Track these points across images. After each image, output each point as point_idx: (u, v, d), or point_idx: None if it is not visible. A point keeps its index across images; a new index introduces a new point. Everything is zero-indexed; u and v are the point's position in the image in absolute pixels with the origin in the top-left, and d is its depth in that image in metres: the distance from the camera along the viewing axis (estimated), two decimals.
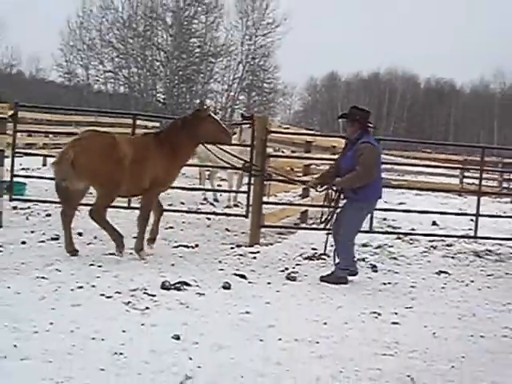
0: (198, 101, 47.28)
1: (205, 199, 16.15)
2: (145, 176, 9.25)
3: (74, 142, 9.05)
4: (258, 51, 50.37)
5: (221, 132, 9.61)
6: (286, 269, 9.20)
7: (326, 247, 9.39)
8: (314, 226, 13.04)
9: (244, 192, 12.33)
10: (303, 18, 73.43)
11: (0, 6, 59.89)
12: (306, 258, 9.89)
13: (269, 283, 8.43)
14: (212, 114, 9.75)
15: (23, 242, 9.49)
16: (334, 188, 9.02)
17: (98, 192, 9.19)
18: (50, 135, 22.76)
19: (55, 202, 12.34)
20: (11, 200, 11.70)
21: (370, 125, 9.00)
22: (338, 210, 9.03)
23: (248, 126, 14.29)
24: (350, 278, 8.82)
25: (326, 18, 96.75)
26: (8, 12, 71.65)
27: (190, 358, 5.46)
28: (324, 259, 9.91)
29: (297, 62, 58.08)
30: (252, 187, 11.17)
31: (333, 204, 9.10)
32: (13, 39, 71.83)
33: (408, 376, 5.50)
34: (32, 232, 10.28)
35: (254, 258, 9.83)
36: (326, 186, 9.12)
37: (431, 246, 11.38)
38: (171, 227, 11.99)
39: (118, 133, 11.84)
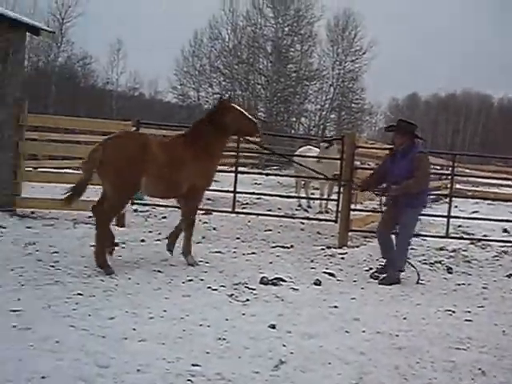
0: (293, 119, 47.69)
1: (299, 206, 16.14)
2: (181, 179, 8.18)
3: (104, 142, 7.91)
4: (347, 75, 50.33)
5: (246, 122, 8.56)
6: (371, 269, 9.09)
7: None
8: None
9: (334, 200, 12.25)
10: (386, 45, 72.54)
11: (127, 40, 61.63)
12: None
13: (355, 281, 8.36)
14: (235, 105, 8.72)
15: (142, 240, 9.72)
16: (378, 192, 9.26)
17: (113, 193, 7.86)
18: None
19: (170, 206, 12.61)
20: (132, 204, 11.96)
21: (419, 137, 8.77)
22: (387, 214, 8.88)
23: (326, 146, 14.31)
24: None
25: (406, 45, 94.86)
26: (132, 43, 73.47)
27: (284, 345, 5.47)
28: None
29: (381, 84, 57.32)
30: (341, 195, 11.12)
31: (381, 207, 9.18)
32: (135, 66, 73.53)
33: (479, 369, 5.34)
34: (150, 232, 10.50)
35: (342, 258, 9.76)
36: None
37: (502, 251, 11.02)
38: (270, 230, 12.03)
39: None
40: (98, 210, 7.97)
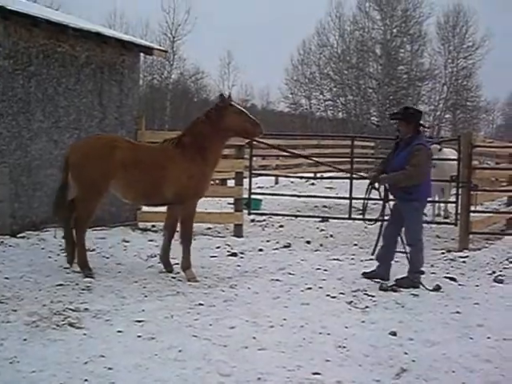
0: None
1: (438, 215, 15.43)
2: (163, 185, 7.76)
3: (72, 144, 8.12)
4: (461, 73, 49.02)
5: (247, 122, 7.90)
6: (494, 272, 8.75)
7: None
8: None
9: (453, 202, 11.92)
10: (501, 38, 69.52)
11: (236, 53, 62.63)
12: None
13: (477, 285, 8.08)
14: (234, 104, 8.01)
15: (260, 250, 9.83)
16: (377, 185, 8.28)
17: (80, 195, 7.77)
18: (281, 158, 23.36)
19: (287, 215, 12.73)
20: (250, 214, 12.11)
21: (423, 126, 8.27)
22: (390, 210, 8.31)
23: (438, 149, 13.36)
24: None
25: None
26: (242, 56, 74.68)
27: (405, 353, 5.37)
28: None
29: (498, 79, 55.13)
30: (460, 197, 10.81)
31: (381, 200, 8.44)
32: (246, 78, 74.55)
33: None
34: (267, 241, 10.59)
35: (463, 262, 9.47)
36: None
37: None
38: None
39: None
40: (74, 218, 7.92)
